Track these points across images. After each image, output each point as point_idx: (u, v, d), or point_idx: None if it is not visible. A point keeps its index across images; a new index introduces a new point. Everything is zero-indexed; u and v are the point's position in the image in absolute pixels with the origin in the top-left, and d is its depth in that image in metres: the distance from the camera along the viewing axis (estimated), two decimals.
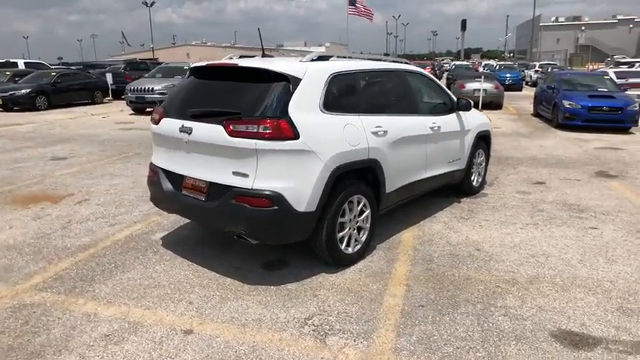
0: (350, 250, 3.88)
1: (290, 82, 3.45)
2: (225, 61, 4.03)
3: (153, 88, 14.16)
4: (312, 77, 3.59)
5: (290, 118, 3.32)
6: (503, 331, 2.98)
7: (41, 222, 4.99)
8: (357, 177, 3.85)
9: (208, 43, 72.80)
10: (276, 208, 3.29)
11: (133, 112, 15.26)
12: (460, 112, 5.41)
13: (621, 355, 2.74)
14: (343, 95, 3.86)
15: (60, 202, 5.74)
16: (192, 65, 4.13)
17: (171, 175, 3.89)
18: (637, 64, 34.50)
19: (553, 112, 12.30)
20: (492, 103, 16.37)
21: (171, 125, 3.78)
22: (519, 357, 2.73)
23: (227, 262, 3.98)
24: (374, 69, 4.35)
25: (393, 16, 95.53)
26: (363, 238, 4.03)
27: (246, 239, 3.46)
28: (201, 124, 3.54)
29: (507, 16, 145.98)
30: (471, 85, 16.79)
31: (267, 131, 3.24)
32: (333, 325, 3.05)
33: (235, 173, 3.39)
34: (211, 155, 3.52)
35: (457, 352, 2.78)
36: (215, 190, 3.51)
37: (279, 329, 3.00)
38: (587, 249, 4.31)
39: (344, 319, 3.11)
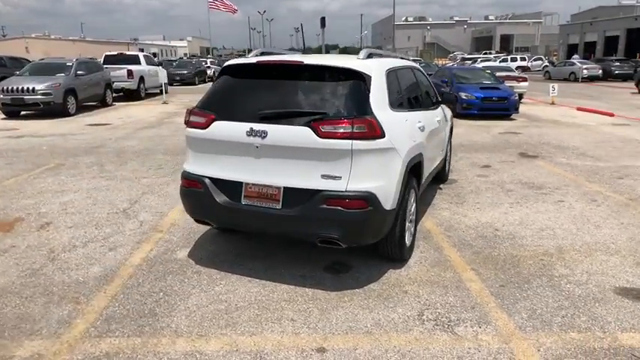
0: (408, 243, 3.96)
1: (365, 80, 3.38)
2: (285, 58, 3.72)
3: (34, 89, 12.09)
4: (378, 74, 3.57)
5: (375, 116, 3.26)
6: (581, 296, 3.39)
7: (11, 256, 4.04)
8: (411, 172, 3.94)
9: (52, 36, 63.93)
10: (370, 208, 3.22)
11: (5, 116, 12.85)
12: (442, 105, 5.82)
13: None
14: (395, 92, 3.89)
15: (12, 229, 4.68)
16: (234, 62, 3.77)
17: (224, 185, 3.50)
18: (479, 60, 40.18)
19: (450, 104, 13.76)
20: None
21: (232, 129, 3.40)
22: (610, 315, 3.14)
23: (287, 272, 3.74)
24: (403, 65, 4.46)
25: (259, 12, 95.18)
26: (413, 230, 4.14)
27: (337, 243, 3.32)
28: (279, 126, 3.26)
29: (361, 14, 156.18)
30: None
31: (362, 131, 3.15)
32: (448, 316, 3.12)
33: (325, 176, 3.22)
34: (290, 159, 3.28)
35: (566, 319, 3.09)
36: (293, 195, 3.29)
37: (404, 329, 2.98)
38: (573, 219, 5.04)
39: (451, 309, 3.21)
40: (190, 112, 3.66)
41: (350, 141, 3.13)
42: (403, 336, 2.91)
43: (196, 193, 3.61)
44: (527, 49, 66.33)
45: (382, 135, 3.25)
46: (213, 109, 3.55)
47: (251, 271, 3.75)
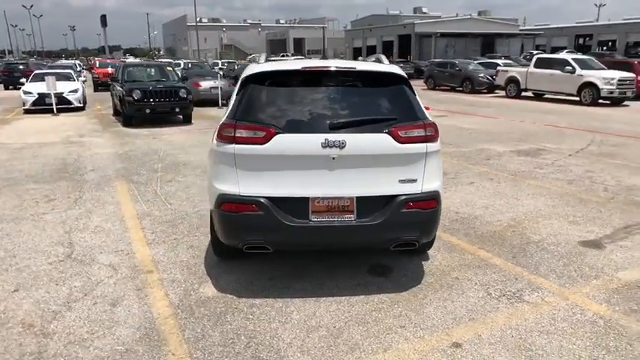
0: None
1: (408, 84, 3.53)
2: (333, 64, 3.49)
3: None
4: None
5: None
6: (566, 252, 4.26)
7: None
8: None
9: None
10: (438, 206, 3.43)
11: None
12: None
13: (624, 241, 4.50)
14: None
15: None
16: (267, 70, 3.44)
17: (286, 203, 3.21)
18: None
19: None
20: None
21: (303, 142, 3.16)
22: (598, 262, 4.06)
23: (338, 283, 3.64)
24: None
25: (24, 6, 79.46)
26: None
27: (414, 244, 3.41)
28: (358, 135, 3.17)
29: (147, 14, 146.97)
30: (206, 84, 17.25)
31: (432, 134, 3.32)
32: (509, 289, 3.58)
33: (402, 180, 3.28)
34: (367, 167, 3.23)
35: (578, 271, 3.87)
36: (366, 204, 3.26)
37: (493, 308, 3.30)
38: (496, 196, 6.12)
39: (503, 283, 3.67)
40: (236, 127, 3.21)
41: (424, 144, 3.28)
42: (499, 314, 3.23)
43: (252, 217, 3.22)
44: (318, 52, 73.07)
45: (438, 136, 3.47)
46: (269, 121, 3.21)
47: (304, 291, 3.53)
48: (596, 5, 67.57)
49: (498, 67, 22.31)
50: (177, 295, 3.51)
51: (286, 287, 3.62)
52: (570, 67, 17.95)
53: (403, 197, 3.27)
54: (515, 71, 20.76)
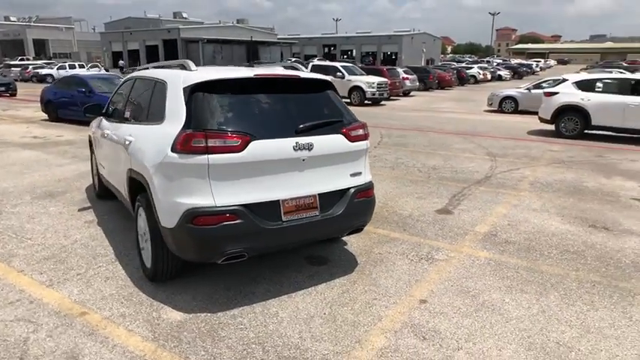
0: None
1: (334, 89, 3.99)
2: (276, 72, 3.53)
3: None
4: None
5: None
6: (433, 221, 5.46)
7: None
8: None
9: None
10: (374, 193, 4.02)
11: None
12: None
13: (460, 206, 5.97)
14: None
15: None
16: (219, 77, 3.41)
17: (260, 208, 3.29)
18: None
19: None
20: None
21: (276, 147, 3.27)
22: (457, 222, 5.37)
23: (296, 279, 3.88)
24: None
25: None
26: None
27: (361, 229, 3.90)
28: (321, 137, 3.46)
29: None
30: None
31: (366, 132, 3.87)
32: (420, 254, 4.45)
33: (352, 174, 3.74)
34: (327, 166, 3.56)
35: (453, 232, 5.06)
36: (325, 199, 3.62)
37: (423, 270, 4.10)
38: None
39: (413, 250, 4.54)
40: (208, 137, 3.09)
41: (365, 141, 3.81)
42: (430, 273, 4.05)
43: (231, 227, 3.17)
44: (67, 55, 64.24)
45: None
46: (245, 129, 3.19)
47: (270, 292, 3.65)
48: (334, 19, 79.43)
49: None
50: (144, 327, 3.15)
51: (251, 292, 3.65)
52: (341, 74, 21.11)
53: (353, 189, 3.75)
54: None
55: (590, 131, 11.06)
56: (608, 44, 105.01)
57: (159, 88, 3.80)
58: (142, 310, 3.39)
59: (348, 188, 3.73)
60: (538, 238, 4.88)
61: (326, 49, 68.28)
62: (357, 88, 20.80)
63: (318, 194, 3.57)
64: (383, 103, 21.43)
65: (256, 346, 2.98)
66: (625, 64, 43.14)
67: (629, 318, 3.35)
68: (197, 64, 3.91)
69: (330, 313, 3.37)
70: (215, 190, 3.18)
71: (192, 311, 3.37)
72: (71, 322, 3.21)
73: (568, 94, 10.78)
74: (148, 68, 4.90)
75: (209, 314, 3.34)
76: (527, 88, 17.67)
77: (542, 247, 4.64)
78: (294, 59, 53.59)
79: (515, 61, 60.90)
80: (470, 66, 41.37)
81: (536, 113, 12.46)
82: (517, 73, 46.47)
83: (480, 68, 40.67)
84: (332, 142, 3.58)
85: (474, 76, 37.83)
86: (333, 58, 62.35)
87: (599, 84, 10.65)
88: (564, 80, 11.30)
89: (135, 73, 4.80)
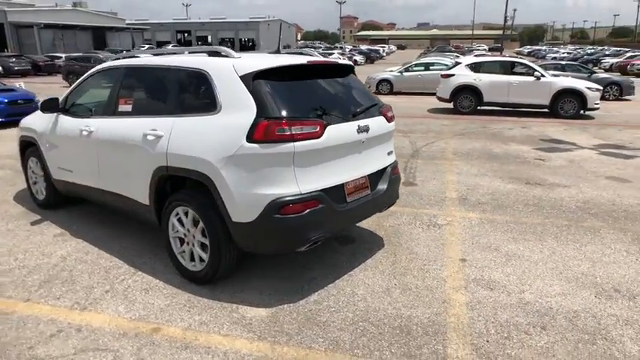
0: None
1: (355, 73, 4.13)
2: (319, 59, 3.46)
3: None
4: None
5: None
6: (409, 192, 5.97)
7: None
8: None
9: None
10: None
11: None
12: None
13: (418, 179, 6.57)
14: None
15: None
16: (278, 65, 3.28)
17: (332, 192, 3.33)
18: None
19: None
20: None
21: (346, 130, 3.34)
22: (427, 192, 5.95)
23: (337, 262, 3.98)
24: None
25: None
26: None
27: (394, 203, 4.15)
28: (372, 119, 3.60)
29: None
30: None
31: (394, 114, 4.10)
32: (426, 221, 4.89)
33: (388, 153, 3.97)
34: (377, 146, 3.74)
35: (434, 200, 5.63)
36: (373, 178, 3.80)
37: (437, 234, 4.54)
38: None
39: (418, 219, 4.97)
40: (292, 124, 3.00)
41: (394, 122, 4.04)
42: (445, 235, 4.51)
43: (316, 213, 3.17)
44: None
45: None
46: (302, 115, 3.17)
47: (317, 280, 3.71)
48: (183, 4, 75.41)
49: None
50: (238, 329, 2.99)
51: (311, 278, 3.66)
52: None
53: (390, 167, 3.98)
54: None
55: (482, 107, 12.78)
56: (434, 31, 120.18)
57: (194, 77, 3.49)
58: (218, 313, 3.18)
59: (387, 167, 3.95)
60: (499, 197, 5.72)
61: (179, 36, 64.80)
62: None
63: (369, 174, 3.72)
64: None
65: (363, 323, 3.07)
66: (453, 49, 50.51)
67: (608, 247, 4.27)
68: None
69: (400, 283, 3.59)
70: (299, 177, 3.13)
71: (272, 305, 3.28)
72: (152, 341, 2.88)
73: (463, 75, 12.35)
74: (135, 56, 4.36)
75: (291, 304, 3.29)
76: (400, 72, 19.47)
77: (508, 204, 5.47)
78: (147, 46, 49.80)
79: (364, 47, 65.78)
80: (330, 52, 43.43)
81: (408, 94, 13.95)
82: (369, 58, 50.48)
83: (339, 54, 43.09)
84: (379, 124, 3.75)
85: None
86: (188, 45, 59.54)
87: (487, 65, 12.42)
88: (458, 63, 12.90)
89: (123, 62, 4.20)
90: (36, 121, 5.05)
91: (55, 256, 4.05)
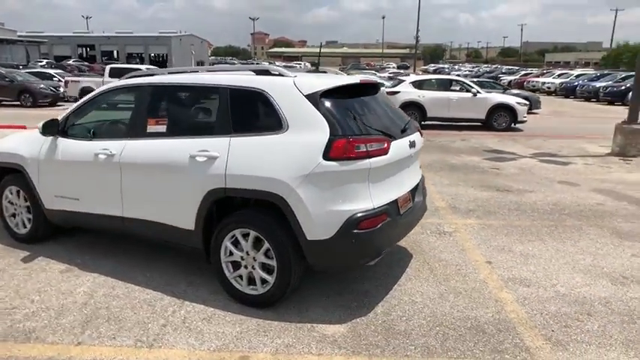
0: None
1: None
2: (365, 77, 3.57)
3: None
4: None
5: None
6: None
7: None
8: None
9: None
10: None
11: None
12: None
13: None
14: None
15: None
16: (344, 83, 3.45)
17: (392, 205, 3.48)
18: None
19: None
20: None
21: (403, 146, 3.52)
22: None
23: (391, 272, 4.11)
24: None
25: None
26: None
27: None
28: (415, 134, 3.80)
29: None
30: None
31: None
32: (434, 229, 5.20)
33: (420, 167, 4.19)
34: (416, 161, 3.98)
35: None
36: (412, 192, 4.00)
37: (453, 239, 4.85)
38: None
39: (426, 228, 5.25)
40: (367, 141, 3.12)
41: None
42: (459, 240, 4.84)
43: (387, 226, 3.30)
44: None
45: None
46: (382, 130, 3.32)
47: (382, 283, 3.82)
48: (83, 17, 70.50)
49: (67, 78, 20.91)
50: (327, 348, 2.99)
51: (364, 291, 3.74)
52: None
53: (422, 180, 4.21)
54: (90, 81, 20.21)
55: (426, 122, 13.61)
56: (345, 49, 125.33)
57: (250, 96, 3.44)
58: (298, 334, 3.14)
59: (421, 179, 4.18)
60: (483, 204, 6.24)
61: (80, 50, 60.45)
62: None
63: (411, 188, 3.91)
64: None
65: (439, 327, 3.23)
66: (367, 66, 53.32)
67: (596, 241, 4.89)
68: None
69: (448, 289, 3.81)
70: (372, 192, 3.24)
71: (344, 320, 3.32)
72: None
73: (408, 92, 13.12)
74: (154, 74, 4.13)
75: (363, 318, 3.36)
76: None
77: (494, 210, 6.00)
78: (45, 61, 45.87)
79: (279, 63, 66.71)
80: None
81: None
82: None
83: None
84: (418, 139, 3.98)
85: None
86: (93, 60, 55.83)
87: (428, 83, 13.34)
88: (402, 81, 13.69)
89: (147, 80, 3.96)
90: (20, 145, 4.56)
91: (78, 294, 3.69)
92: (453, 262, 4.33)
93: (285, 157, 3.21)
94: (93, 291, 3.74)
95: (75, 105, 4.37)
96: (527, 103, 13.69)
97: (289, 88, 3.34)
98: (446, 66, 69.59)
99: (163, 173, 3.65)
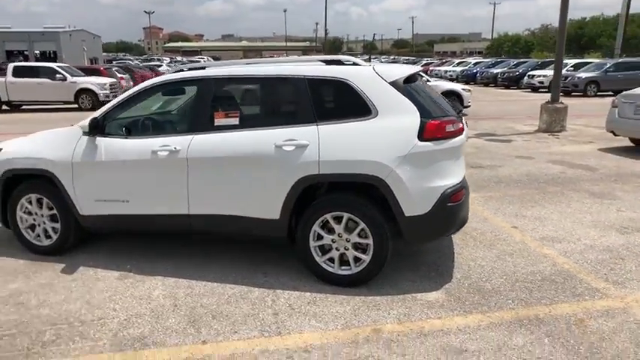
0: None
1: None
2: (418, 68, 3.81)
3: None
4: None
5: None
6: None
7: None
8: None
9: None
10: None
11: None
12: None
13: None
14: None
15: None
16: (410, 73, 3.66)
17: (464, 180, 3.82)
18: None
19: None
20: None
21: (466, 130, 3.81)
22: None
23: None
24: None
25: None
26: None
27: None
28: None
29: None
30: None
31: None
32: None
33: None
34: None
35: None
36: None
37: (484, 201, 5.37)
38: None
39: None
40: (455, 122, 3.41)
41: None
42: (485, 214, 5.37)
43: (466, 200, 3.63)
44: None
45: None
46: (450, 112, 3.63)
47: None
48: None
49: None
50: (441, 310, 3.26)
51: (434, 270, 4.06)
52: (61, 75, 17.93)
53: None
54: None
55: None
56: (244, 43, 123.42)
57: (333, 85, 3.56)
58: (407, 304, 3.38)
59: None
60: (471, 179, 6.78)
61: None
62: (86, 91, 18.18)
63: None
64: None
65: (519, 283, 3.67)
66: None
67: (582, 202, 5.73)
68: None
69: (500, 252, 4.28)
70: (455, 169, 3.56)
71: (435, 288, 3.61)
72: (392, 338, 2.96)
73: None
74: (203, 67, 3.99)
75: (449, 284, 3.68)
76: None
77: (484, 184, 6.66)
78: None
79: (180, 58, 64.00)
80: (159, 64, 41.32)
81: None
82: None
83: (167, 66, 41.39)
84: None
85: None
86: None
87: None
88: None
89: (210, 73, 3.81)
90: (44, 148, 4.14)
91: (159, 297, 3.53)
92: (487, 230, 4.83)
93: (380, 141, 3.40)
94: (172, 293, 3.60)
95: (114, 101, 4.08)
96: (470, 89, 14.99)
97: (373, 77, 3.53)
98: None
99: (242, 165, 3.62)
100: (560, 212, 5.36)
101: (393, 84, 3.51)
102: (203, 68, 4.03)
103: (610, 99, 10.39)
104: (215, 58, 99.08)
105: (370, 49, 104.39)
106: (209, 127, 3.76)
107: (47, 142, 4.22)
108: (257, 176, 3.61)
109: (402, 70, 3.66)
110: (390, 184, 3.38)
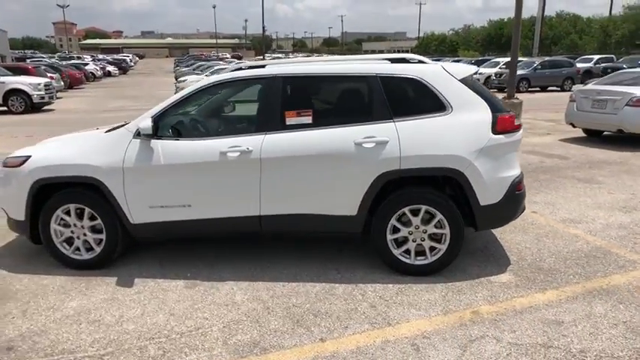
0: None
1: None
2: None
3: None
4: None
5: None
6: None
7: None
8: None
9: None
10: None
11: None
12: None
13: None
14: None
15: None
16: (472, 72, 3.96)
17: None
18: None
19: None
20: None
21: None
22: None
23: None
24: None
25: None
26: None
27: None
28: None
29: None
30: None
31: None
32: None
33: None
34: None
35: None
36: None
37: None
38: None
39: None
40: (514, 116, 3.72)
41: None
42: None
43: (525, 191, 3.93)
44: None
45: None
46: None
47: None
48: None
49: None
50: (520, 290, 3.53)
51: (491, 256, 4.34)
52: None
53: None
54: None
55: None
56: (169, 40, 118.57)
57: (407, 82, 3.70)
58: (487, 287, 3.62)
59: None
60: None
61: None
62: (17, 92, 16.63)
63: None
64: (49, 108, 18.07)
65: (565, 261, 4.05)
66: (203, 57, 52.70)
67: (575, 187, 6.36)
68: None
69: (536, 235, 4.67)
70: (515, 162, 3.84)
71: (502, 271, 3.89)
72: (490, 319, 3.17)
73: None
74: (263, 65, 3.91)
75: (512, 266, 3.98)
76: None
77: None
78: None
79: (102, 56, 60.64)
80: (85, 62, 38.87)
81: None
82: (121, 68, 47.54)
83: (94, 65, 39.15)
84: None
85: (93, 74, 36.15)
86: None
87: None
88: None
89: (276, 71, 3.75)
90: (88, 154, 3.85)
91: (243, 302, 3.48)
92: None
93: (458, 135, 3.60)
94: (255, 296, 3.56)
95: (168, 102, 3.89)
96: None
97: (444, 74, 3.72)
98: (281, 56, 72.09)
99: (319, 164, 3.65)
100: (564, 197, 5.92)
101: (463, 81, 3.72)
102: (263, 67, 3.99)
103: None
104: (139, 56, 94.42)
105: (299, 47, 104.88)
106: (280, 126, 3.73)
107: (90, 146, 3.94)
108: (334, 174, 3.65)
109: (469, 69, 3.91)
110: (469, 176, 3.59)
